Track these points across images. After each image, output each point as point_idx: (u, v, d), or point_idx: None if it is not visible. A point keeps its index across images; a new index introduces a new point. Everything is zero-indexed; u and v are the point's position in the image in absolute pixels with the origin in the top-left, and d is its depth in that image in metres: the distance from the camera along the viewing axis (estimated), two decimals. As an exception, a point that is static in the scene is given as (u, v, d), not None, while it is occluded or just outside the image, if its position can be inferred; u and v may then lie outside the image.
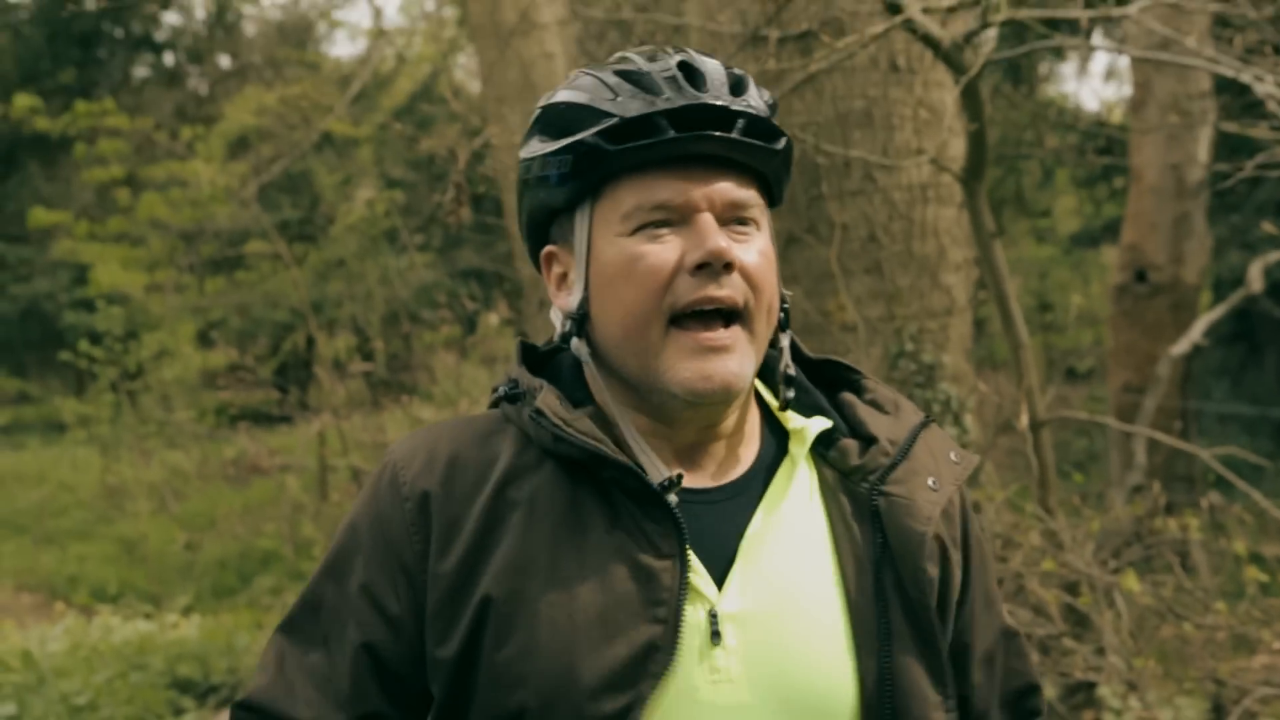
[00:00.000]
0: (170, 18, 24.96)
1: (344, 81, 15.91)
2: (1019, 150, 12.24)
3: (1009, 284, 4.68)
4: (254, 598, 9.77)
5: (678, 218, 1.49)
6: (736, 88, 1.51)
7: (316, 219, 16.99)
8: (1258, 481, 6.74)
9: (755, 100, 1.52)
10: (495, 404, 1.62)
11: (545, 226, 1.61)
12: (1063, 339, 14.24)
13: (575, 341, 1.57)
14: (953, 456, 1.62)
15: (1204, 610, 4.51)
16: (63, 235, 15.77)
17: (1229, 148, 8.96)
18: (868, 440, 1.61)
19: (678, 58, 1.52)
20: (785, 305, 1.61)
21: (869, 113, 5.35)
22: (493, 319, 10.41)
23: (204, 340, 15.34)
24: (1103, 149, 11.38)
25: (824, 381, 1.69)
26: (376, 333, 13.24)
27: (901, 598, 1.52)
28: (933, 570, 1.55)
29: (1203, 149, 8.93)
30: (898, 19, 4.05)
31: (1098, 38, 10.87)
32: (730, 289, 1.48)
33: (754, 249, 1.52)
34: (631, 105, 1.48)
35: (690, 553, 1.49)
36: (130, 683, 7.05)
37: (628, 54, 1.55)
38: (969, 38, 4.20)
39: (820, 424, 1.62)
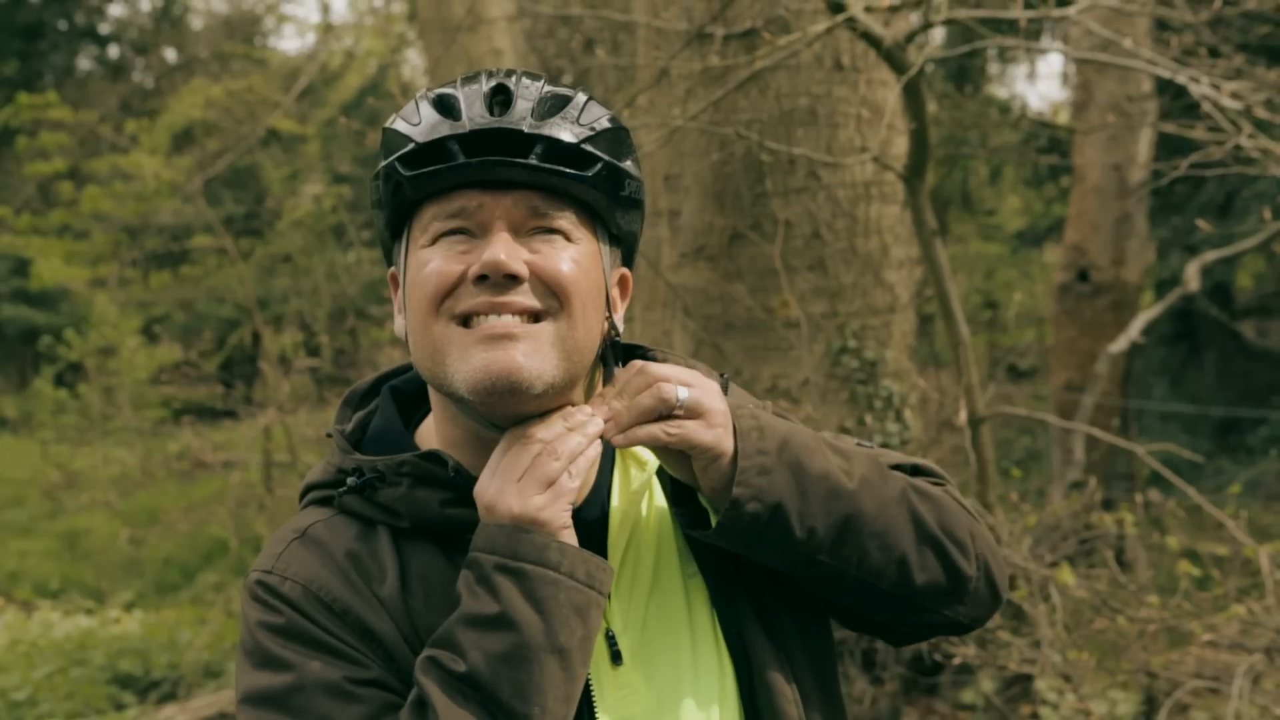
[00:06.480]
0: (115, 10, 24.80)
1: (291, 76, 15.81)
2: (963, 150, 12.34)
3: (950, 282, 4.72)
4: (198, 594, 9.72)
5: (477, 230, 1.46)
6: (549, 111, 1.46)
7: (263, 214, 16.90)
8: (1196, 478, 6.83)
9: (569, 124, 1.46)
10: (325, 500, 1.56)
11: (390, 251, 1.59)
12: (1006, 337, 14.36)
13: (415, 367, 1.54)
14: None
15: (1137, 604, 4.57)
16: (4, 229, 15.60)
17: (1170, 149, 9.07)
18: None
19: (495, 80, 1.47)
20: (616, 332, 1.57)
21: (813, 110, 5.39)
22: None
23: (148, 335, 15.22)
24: (1046, 149, 11.49)
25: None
26: (322, 328, 13.19)
27: (735, 558, 1.57)
28: None
29: (1144, 150, 9.04)
30: (840, 18, 4.08)
31: (1045, 39, 10.99)
32: (520, 296, 1.43)
33: (564, 256, 1.46)
34: (429, 130, 1.45)
35: None
36: (70, 678, 7.01)
37: (459, 78, 1.51)
38: (910, 37, 4.24)
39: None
